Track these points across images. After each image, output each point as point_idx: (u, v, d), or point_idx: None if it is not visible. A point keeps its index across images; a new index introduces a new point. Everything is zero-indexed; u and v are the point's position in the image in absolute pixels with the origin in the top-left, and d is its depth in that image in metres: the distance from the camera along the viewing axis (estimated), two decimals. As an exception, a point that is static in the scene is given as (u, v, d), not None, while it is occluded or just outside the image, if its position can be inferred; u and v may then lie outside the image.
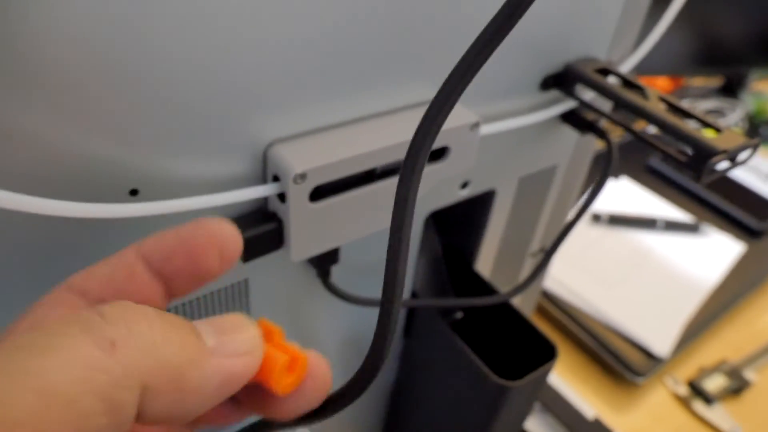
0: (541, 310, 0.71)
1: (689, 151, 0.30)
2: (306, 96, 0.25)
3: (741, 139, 0.31)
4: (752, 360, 0.70)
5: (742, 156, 0.32)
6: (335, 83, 0.26)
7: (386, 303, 0.17)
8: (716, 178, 0.31)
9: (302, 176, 0.24)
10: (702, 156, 0.30)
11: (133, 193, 0.23)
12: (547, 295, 0.70)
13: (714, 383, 0.66)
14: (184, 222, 0.19)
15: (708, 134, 0.31)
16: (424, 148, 0.16)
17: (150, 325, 0.14)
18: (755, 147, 0.32)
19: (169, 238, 0.18)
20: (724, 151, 0.30)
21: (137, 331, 0.14)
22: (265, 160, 0.25)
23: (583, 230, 0.80)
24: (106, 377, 0.12)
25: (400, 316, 0.42)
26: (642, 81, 0.34)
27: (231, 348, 0.16)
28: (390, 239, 0.17)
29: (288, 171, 0.24)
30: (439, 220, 0.43)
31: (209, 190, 0.25)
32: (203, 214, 0.25)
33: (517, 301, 0.52)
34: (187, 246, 0.18)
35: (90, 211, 0.21)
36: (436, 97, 0.15)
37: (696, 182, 0.30)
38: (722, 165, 0.31)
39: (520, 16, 0.13)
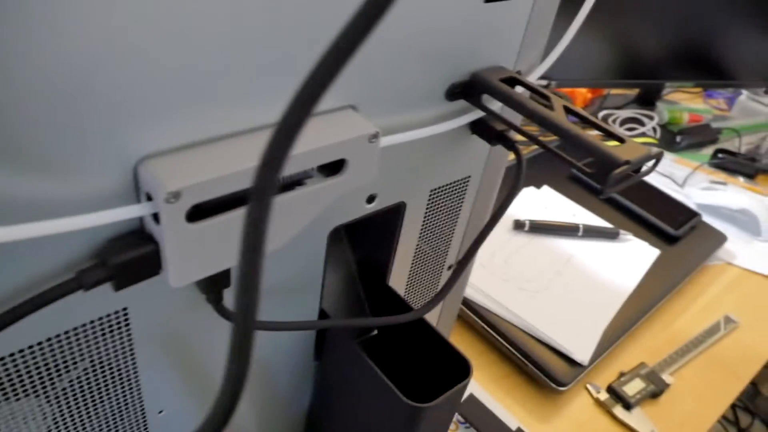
0: (463, 320, 0.71)
1: (593, 162, 0.30)
2: (181, 106, 0.23)
3: (643, 150, 0.31)
4: (669, 363, 0.71)
5: (645, 166, 0.32)
6: (213, 93, 0.23)
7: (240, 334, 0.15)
8: (620, 189, 0.31)
9: (176, 195, 0.22)
10: (606, 167, 0.29)
11: (-29, 217, 0.20)
12: (469, 305, 0.70)
13: (633, 387, 0.67)
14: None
15: (611, 143, 0.31)
16: (273, 170, 0.14)
17: None
18: (658, 158, 0.32)
19: None
20: (627, 162, 0.29)
21: None
22: (136, 177, 0.23)
23: (505, 238, 0.80)
24: None
25: (309, 338, 0.39)
26: (563, 92, 0.33)
27: None
28: (240, 268, 0.15)
29: (160, 189, 0.22)
30: (353, 234, 0.42)
31: (73, 211, 0.22)
32: (65, 237, 0.22)
33: (437, 312, 0.50)
34: None
35: None
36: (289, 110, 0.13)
37: (600, 193, 0.30)
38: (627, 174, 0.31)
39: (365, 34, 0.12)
